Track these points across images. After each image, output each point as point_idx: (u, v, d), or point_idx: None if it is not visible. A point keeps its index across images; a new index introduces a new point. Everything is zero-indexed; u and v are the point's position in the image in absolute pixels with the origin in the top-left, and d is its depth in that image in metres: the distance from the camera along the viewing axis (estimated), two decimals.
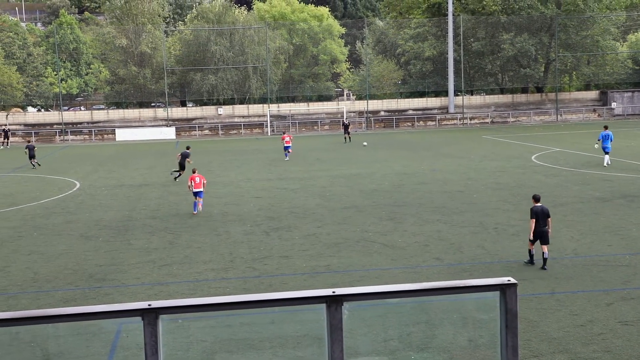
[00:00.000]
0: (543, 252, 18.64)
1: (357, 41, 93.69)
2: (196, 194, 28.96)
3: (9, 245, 23.98)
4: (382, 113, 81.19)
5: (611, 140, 39.26)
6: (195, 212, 28.65)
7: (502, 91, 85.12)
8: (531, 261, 19.00)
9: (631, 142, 51.58)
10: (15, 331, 4.08)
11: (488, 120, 79.86)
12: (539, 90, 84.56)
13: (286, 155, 48.14)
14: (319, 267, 19.86)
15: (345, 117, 71.82)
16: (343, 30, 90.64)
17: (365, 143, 42.07)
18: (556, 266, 19.01)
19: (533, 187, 32.33)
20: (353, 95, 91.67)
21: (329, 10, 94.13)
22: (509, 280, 4.39)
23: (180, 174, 38.24)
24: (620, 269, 18.59)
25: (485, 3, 78.53)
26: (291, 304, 4.37)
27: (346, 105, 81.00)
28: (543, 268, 18.54)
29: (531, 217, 19.14)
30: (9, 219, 29.03)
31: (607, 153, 38.97)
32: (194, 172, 29.82)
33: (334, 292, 4.33)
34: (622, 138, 55.11)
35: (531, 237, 18.86)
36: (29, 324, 4.07)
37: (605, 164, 38.51)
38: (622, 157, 42.08)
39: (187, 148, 39.61)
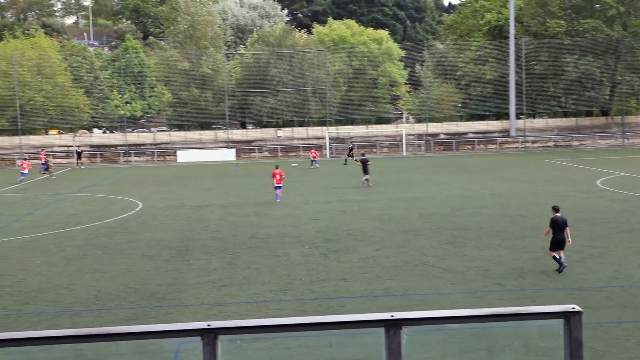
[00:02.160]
0: (560, 257, 20.20)
1: (416, 64, 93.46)
2: (277, 187, 37.98)
3: (74, 264, 24.46)
4: (442, 136, 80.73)
5: None
6: (278, 201, 37.50)
7: (566, 114, 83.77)
8: (560, 266, 20.32)
9: None
10: (79, 348, 4.16)
11: (551, 143, 78.73)
12: (604, 113, 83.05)
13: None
14: (377, 291, 19.72)
15: (351, 141, 72.28)
16: (403, 53, 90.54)
17: (294, 164, 41.29)
18: (624, 294, 18.56)
19: (597, 212, 31.77)
20: (412, 117, 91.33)
21: (389, 34, 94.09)
22: (573, 308, 4.30)
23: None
24: None
25: (548, 25, 77.59)
26: (349, 327, 4.35)
27: (405, 128, 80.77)
28: (559, 270, 20.14)
29: (550, 226, 21.02)
30: (75, 237, 29.60)
31: None
32: (276, 168, 38.60)
33: (392, 315, 4.30)
34: None
35: (550, 247, 20.83)
36: (92, 342, 4.15)
37: None
38: None
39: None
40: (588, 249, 24.24)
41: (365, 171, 45.19)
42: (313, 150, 64.20)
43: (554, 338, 4.36)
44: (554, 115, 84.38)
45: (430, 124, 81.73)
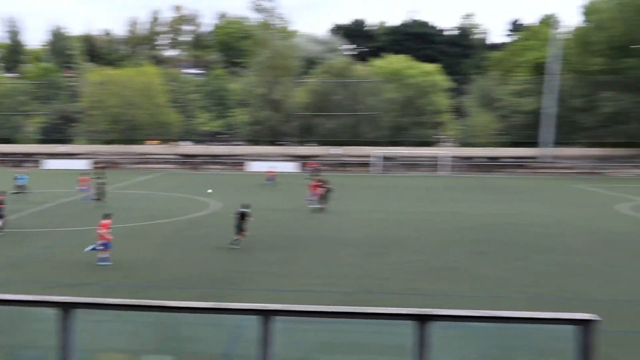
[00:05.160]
0: None
1: (461, 95, 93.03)
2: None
3: (161, 249, 25.65)
4: (477, 159, 79.87)
5: None
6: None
7: (598, 144, 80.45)
8: None
9: None
10: (162, 317, 4.38)
11: (581, 170, 76.54)
12: (635, 145, 79.65)
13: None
14: (410, 290, 19.79)
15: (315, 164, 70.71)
16: (449, 85, 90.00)
17: (209, 190, 39.76)
18: (634, 307, 18.15)
19: (620, 234, 30.96)
20: (455, 142, 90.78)
21: (439, 68, 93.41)
22: (590, 317, 4.32)
23: None
24: None
25: (590, 63, 75.69)
26: (386, 319, 4.43)
27: (444, 151, 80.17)
28: None
29: None
30: (162, 229, 30.57)
31: None
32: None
33: (423, 311, 4.37)
34: None
35: None
36: (173, 312, 4.37)
37: None
38: None
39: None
40: (606, 266, 23.78)
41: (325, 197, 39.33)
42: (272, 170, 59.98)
43: (566, 342, 4.36)
44: (587, 145, 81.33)
45: (469, 148, 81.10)
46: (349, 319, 4.37)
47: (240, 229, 26.32)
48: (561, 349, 4.56)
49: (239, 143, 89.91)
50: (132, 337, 5.36)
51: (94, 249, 22.97)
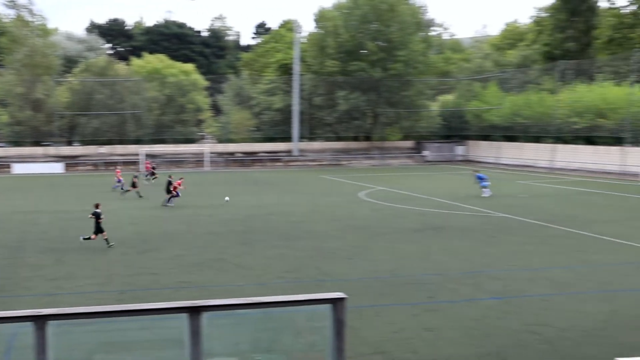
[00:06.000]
0: None
1: (218, 93, 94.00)
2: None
3: None
4: (238, 154, 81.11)
5: (484, 179, 43.52)
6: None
7: (338, 138, 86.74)
8: None
9: (440, 184, 53.62)
10: None
11: (325, 162, 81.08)
12: (368, 138, 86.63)
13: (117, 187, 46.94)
14: (183, 283, 19.67)
15: (153, 162, 68.86)
16: (207, 84, 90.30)
17: (227, 198, 40.44)
18: (377, 284, 19.61)
19: (362, 219, 33.20)
20: (214, 139, 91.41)
21: (195, 67, 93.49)
22: (339, 295, 4.64)
23: None
24: (426, 286, 19.28)
25: (326, 65, 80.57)
26: (159, 313, 4.45)
27: (208, 147, 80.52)
28: None
29: None
30: None
31: (484, 187, 43.04)
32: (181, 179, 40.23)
33: (194, 303, 4.45)
34: (434, 180, 57.52)
35: None
36: None
37: (484, 195, 42.34)
38: (434, 195, 43.80)
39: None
40: (352, 248, 25.35)
41: (168, 191, 39.95)
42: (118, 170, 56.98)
43: (325, 319, 4.66)
44: (328, 139, 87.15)
45: (229, 144, 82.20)
46: (125, 317, 4.34)
47: (99, 229, 25.28)
48: (320, 326, 4.82)
49: (1, 145, 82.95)
50: None
51: None
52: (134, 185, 44.59)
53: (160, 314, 4.44)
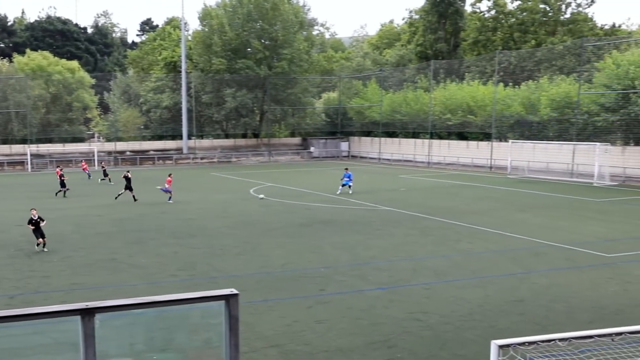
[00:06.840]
0: None
1: (105, 91, 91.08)
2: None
3: None
4: (128, 153, 78.93)
5: (349, 178, 43.24)
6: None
7: (227, 136, 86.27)
8: None
9: (327, 179, 54.27)
10: None
11: (215, 160, 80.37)
12: (256, 136, 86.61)
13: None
14: (74, 285, 18.99)
15: (102, 163, 68.16)
16: (93, 81, 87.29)
17: (261, 196, 39.35)
18: (269, 279, 19.68)
19: (250, 214, 33.19)
20: (103, 137, 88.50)
21: (81, 65, 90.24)
22: (232, 291, 4.62)
23: None
24: (317, 279, 19.57)
25: (212, 62, 79.66)
26: (51, 317, 4.28)
27: (97, 146, 77.86)
28: None
29: None
30: None
31: (344, 185, 43.03)
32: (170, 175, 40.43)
33: (87, 305, 4.31)
34: (321, 176, 58.17)
35: None
36: None
37: (338, 193, 42.32)
38: (321, 190, 44.32)
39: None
40: (244, 244, 25.29)
41: (129, 188, 40.12)
42: (84, 163, 60.50)
43: (218, 315, 4.63)
44: (217, 136, 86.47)
45: (118, 143, 79.72)
46: (15, 322, 4.14)
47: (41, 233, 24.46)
48: (215, 323, 4.80)
49: None
50: None
51: None
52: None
53: (51, 317, 4.27)
